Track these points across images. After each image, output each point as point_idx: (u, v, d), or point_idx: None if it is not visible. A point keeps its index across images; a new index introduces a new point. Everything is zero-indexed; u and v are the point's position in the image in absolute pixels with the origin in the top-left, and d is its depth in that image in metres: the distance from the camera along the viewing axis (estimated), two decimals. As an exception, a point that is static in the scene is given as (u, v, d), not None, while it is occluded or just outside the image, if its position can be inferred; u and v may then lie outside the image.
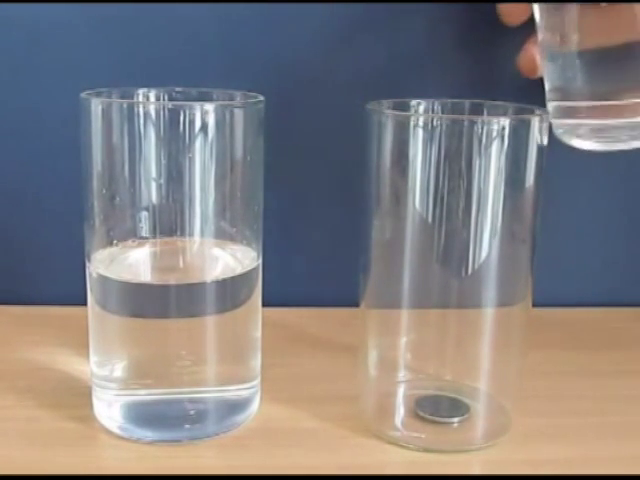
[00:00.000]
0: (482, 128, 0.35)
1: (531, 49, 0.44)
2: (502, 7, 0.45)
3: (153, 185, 0.36)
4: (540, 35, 0.41)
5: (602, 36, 0.38)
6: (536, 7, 0.40)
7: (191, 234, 0.37)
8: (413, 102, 0.41)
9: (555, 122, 0.41)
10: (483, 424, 0.38)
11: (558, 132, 0.41)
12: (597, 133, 0.40)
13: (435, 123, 0.36)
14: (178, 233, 0.37)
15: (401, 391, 0.39)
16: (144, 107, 0.35)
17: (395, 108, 0.39)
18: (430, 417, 0.38)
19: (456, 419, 0.38)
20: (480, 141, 0.35)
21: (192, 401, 0.38)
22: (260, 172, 0.39)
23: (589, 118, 0.40)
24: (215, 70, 0.50)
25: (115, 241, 0.38)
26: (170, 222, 0.36)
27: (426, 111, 0.41)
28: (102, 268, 0.38)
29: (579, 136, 0.41)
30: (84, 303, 0.39)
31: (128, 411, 0.38)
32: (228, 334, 0.39)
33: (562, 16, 0.39)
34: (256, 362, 0.40)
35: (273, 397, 0.42)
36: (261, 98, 0.38)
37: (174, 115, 0.35)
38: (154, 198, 0.36)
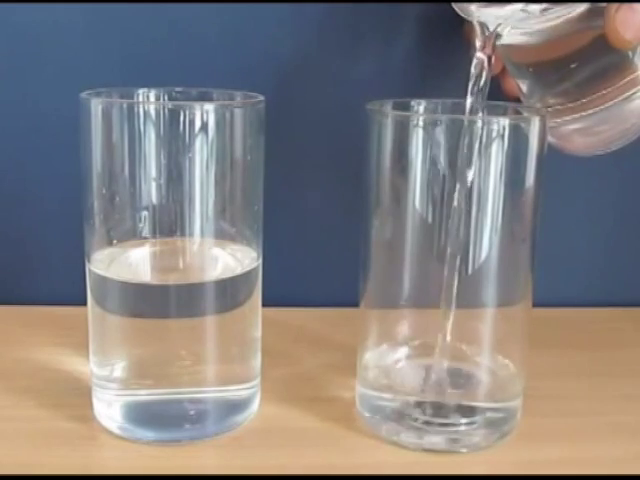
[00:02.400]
0: (482, 128, 0.35)
1: (509, 80, 0.45)
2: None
3: (153, 185, 0.36)
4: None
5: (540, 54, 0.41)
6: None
7: (191, 234, 0.37)
8: (413, 102, 0.41)
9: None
10: (484, 424, 0.38)
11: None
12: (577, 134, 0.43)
13: (435, 123, 0.36)
14: (178, 233, 0.37)
15: (401, 391, 0.39)
16: (144, 107, 0.35)
17: (395, 108, 0.39)
18: (430, 417, 0.38)
19: (456, 419, 0.38)
20: (480, 141, 0.35)
21: (192, 401, 0.38)
22: (260, 172, 0.39)
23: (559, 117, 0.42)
24: (215, 70, 0.50)
25: (115, 241, 0.38)
26: (170, 222, 0.37)
27: (426, 111, 0.41)
28: (102, 268, 0.38)
29: (561, 137, 0.43)
30: (84, 303, 0.39)
31: (128, 411, 0.38)
32: (228, 334, 0.39)
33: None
34: (256, 362, 0.40)
35: (273, 397, 0.42)
36: (261, 98, 0.38)
37: (174, 115, 0.35)
38: (154, 198, 0.36)
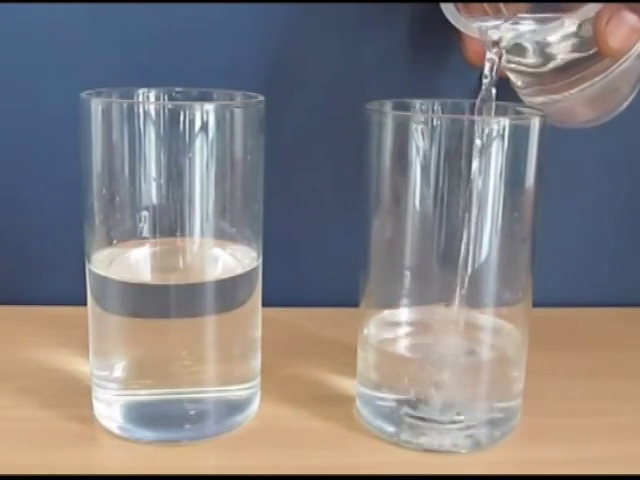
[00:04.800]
0: (482, 128, 0.35)
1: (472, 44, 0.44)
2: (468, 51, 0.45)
3: (153, 185, 0.36)
4: None
5: None
6: None
7: (191, 234, 0.37)
8: (413, 102, 0.41)
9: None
10: (484, 424, 0.38)
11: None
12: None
13: (435, 123, 0.36)
14: (178, 233, 0.37)
15: (401, 391, 0.39)
16: (144, 107, 0.35)
17: (395, 108, 0.39)
18: (430, 418, 0.38)
19: (456, 420, 0.38)
20: (480, 141, 0.35)
21: (192, 401, 0.38)
22: (260, 172, 0.39)
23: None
24: (215, 70, 0.50)
25: (115, 241, 0.38)
26: (170, 222, 0.36)
27: (426, 111, 0.41)
28: (102, 268, 0.38)
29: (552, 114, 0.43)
30: (84, 303, 0.39)
31: (128, 411, 0.38)
32: (228, 334, 0.39)
33: None
34: (256, 362, 0.40)
35: (273, 397, 0.42)
36: (261, 98, 0.38)
37: (174, 115, 0.35)
38: (154, 198, 0.36)
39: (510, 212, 0.37)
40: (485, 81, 0.38)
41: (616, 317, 0.55)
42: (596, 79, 0.41)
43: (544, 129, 0.36)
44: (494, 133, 0.35)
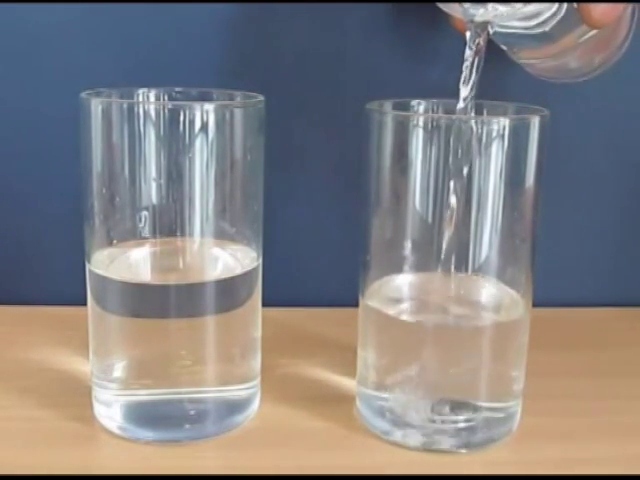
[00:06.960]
0: (482, 128, 0.35)
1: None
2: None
3: (153, 185, 0.36)
4: None
5: None
6: None
7: (191, 234, 0.37)
8: (413, 102, 0.41)
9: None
10: (484, 425, 0.38)
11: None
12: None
13: (435, 123, 0.36)
14: (178, 233, 0.37)
15: (401, 391, 0.39)
16: (144, 107, 0.35)
17: (395, 108, 0.39)
18: (430, 417, 0.38)
19: (456, 419, 0.38)
20: (480, 141, 0.35)
21: (192, 401, 0.38)
22: (260, 172, 0.39)
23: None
24: (215, 70, 0.50)
25: (115, 241, 0.38)
26: (170, 222, 0.37)
27: (426, 111, 0.41)
28: (102, 268, 0.38)
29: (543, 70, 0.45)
30: (84, 303, 0.39)
31: (128, 411, 0.38)
32: (228, 334, 0.39)
33: None
34: (256, 362, 0.41)
35: (273, 397, 0.42)
36: (261, 98, 0.38)
37: (174, 115, 0.35)
38: (154, 198, 0.36)
39: (510, 212, 0.37)
40: (467, 62, 0.38)
41: (616, 317, 0.55)
42: (587, 36, 0.40)
43: (544, 129, 0.36)
44: (494, 133, 0.35)
